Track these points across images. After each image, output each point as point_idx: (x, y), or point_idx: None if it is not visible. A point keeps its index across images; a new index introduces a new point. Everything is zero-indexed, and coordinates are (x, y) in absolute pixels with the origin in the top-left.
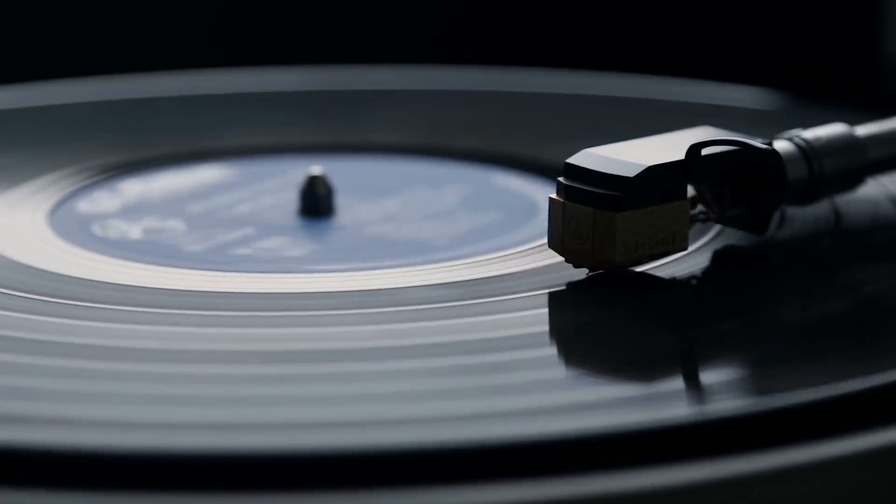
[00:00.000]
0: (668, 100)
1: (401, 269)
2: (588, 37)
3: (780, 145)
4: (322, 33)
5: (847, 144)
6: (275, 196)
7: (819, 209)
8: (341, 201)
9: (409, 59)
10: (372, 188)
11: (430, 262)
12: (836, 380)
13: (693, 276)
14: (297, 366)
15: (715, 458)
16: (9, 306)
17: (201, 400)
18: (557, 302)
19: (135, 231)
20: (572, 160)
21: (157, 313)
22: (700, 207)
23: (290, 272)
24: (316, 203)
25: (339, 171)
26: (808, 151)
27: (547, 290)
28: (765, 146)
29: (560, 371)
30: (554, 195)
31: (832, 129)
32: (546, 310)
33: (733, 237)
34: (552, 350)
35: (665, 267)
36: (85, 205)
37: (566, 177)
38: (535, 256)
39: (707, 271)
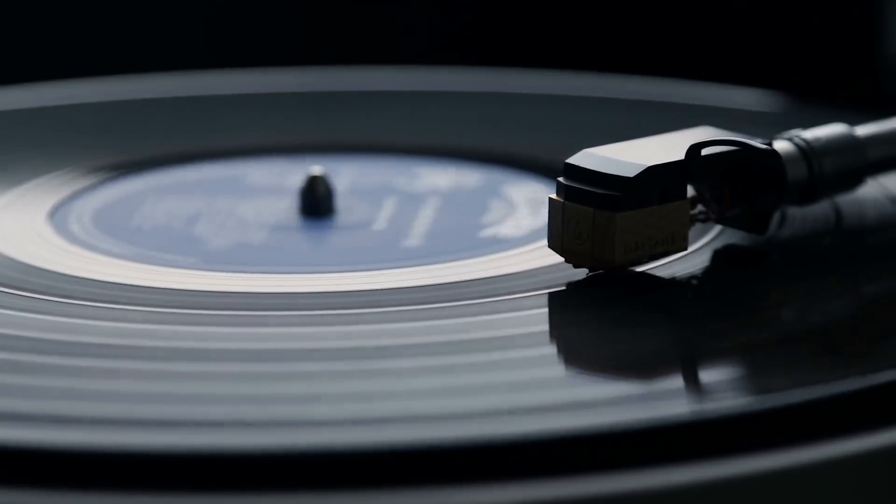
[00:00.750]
0: (669, 100)
1: (401, 269)
2: (588, 37)
3: (780, 145)
4: (322, 33)
5: (847, 145)
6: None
7: (819, 209)
8: (341, 201)
9: (408, 60)
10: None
11: (430, 262)
12: (836, 380)
13: (693, 276)
14: (296, 365)
15: (714, 458)
16: (9, 304)
17: (200, 399)
18: (557, 302)
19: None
20: (572, 160)
21: (156, 313)
22: (700, 207)
23: (289, 272)
24: (316, 203)
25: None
26: (807, 151)
27: (547, 291)
28: (764, 146)
29: (559, 370)
30: (554, 195)
31: (832, 130)
32: (546, 310)
33: (733, 237)
34: (552, 349)
35: (665, 267)
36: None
37: (566, 177)
38: (535, 257)
39: (707, 271)
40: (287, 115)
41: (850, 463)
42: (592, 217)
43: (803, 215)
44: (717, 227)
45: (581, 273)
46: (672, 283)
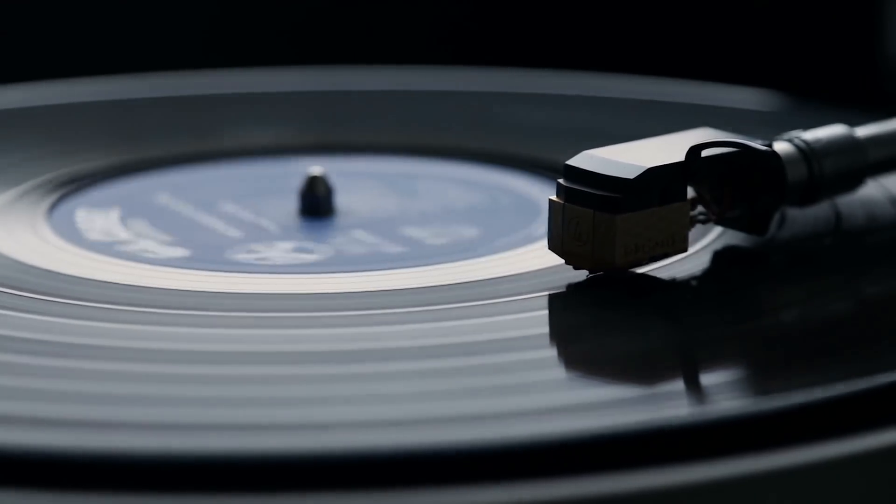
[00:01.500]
0: (669, 101)
1: (400, 270)
2: (588, 37)
3: (780, 146)
4: (322, 33)
5: (847, 145)
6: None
7: (819, 210)
8: (341, 201)
9: (408, 60)
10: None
11: (430, 263)
12: (836, 380)
13: (693, 278)
14: (296, 367)
15: (715, 459)
16: (8, 305)
17: (200, 400)
18: (557, 303)
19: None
20: (572, 162)
21: (156, 313)
22: (700, 209)
23: (289, 273)
24: (316, 203)
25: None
26: (807, 153)
27: (547, 292)
28: (764, 147)
29: (560, 372)
30: (554, 197)
31: (832, 131)
32: (546, 311)
33: (733, 238)
34: (552, 351)
35: (665, 268)
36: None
37: (566, 178)
38: (535, 258)
39: (707, 272)
40: (288, 115)
41: (850, 463)
42: (592, 219)
43: (803, 216)
44: (718, 229)
45: (581, 275)
46: (672, 284)
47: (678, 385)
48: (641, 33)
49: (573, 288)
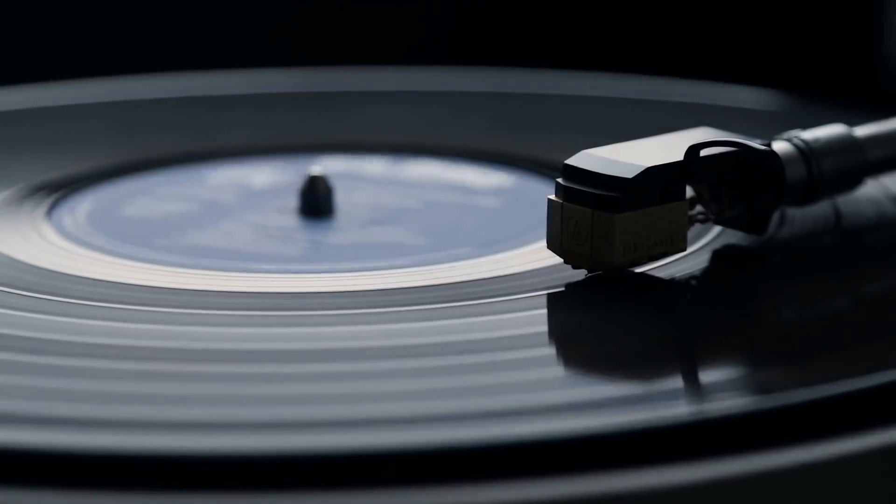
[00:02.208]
0: (668, 100)
1: (400, 270)
2: (588, 37)
3: (779, 146)
4: (321, 33)
5: (846, 145)
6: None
7: (819, 209)
8: (341, 201)
9: (408, 60)
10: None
11: (430, 262)
12: (836, 380)
13: (692, 277)
14: (296, 365)
15: (714, 458)
16: (8, 304)
17: (200, 400)
18: (556, 303)
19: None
20: (571, 161)
21: (156, 312)
22: (699, 208)
23: (289, 272)
24: (316, 203)
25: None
26: (806, 152)
27: (546, 291)
28: (763, 147)
29: (559, 371)
30: (553, 196)
31: (831, 130)
32: (545, 311)
33: (732, 238)
34: (551, 350)
35: (664, 268)
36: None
37: (565, 178)
38: (534, 257)
39: (706, 272)
40: (287, 115)
41: (850, 462)
42: (591, 218)
43: (803, 214)
44: (717, 228)
45: (580, 274)
46: (671, 283)
47: (677, 384)
48: (641, 33)
49: (572, 287)
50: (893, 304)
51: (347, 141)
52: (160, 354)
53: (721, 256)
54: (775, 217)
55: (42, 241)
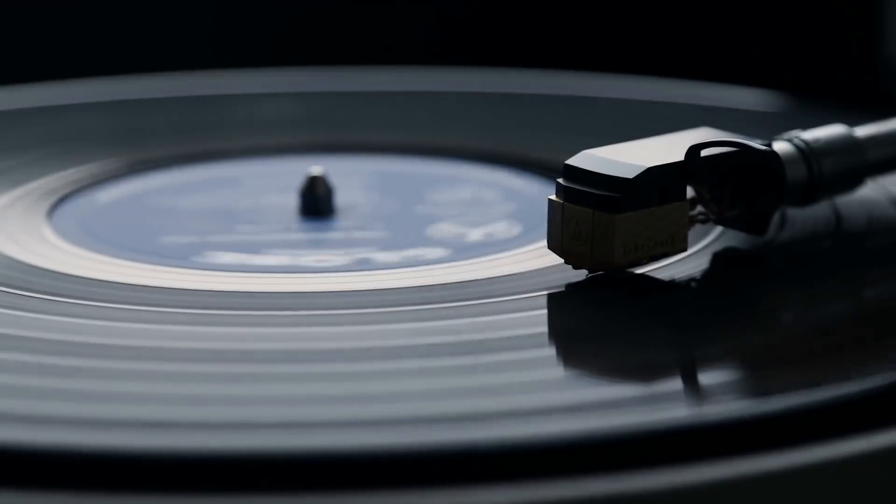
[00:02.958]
0: (668, 101)
1: (400, 270)
2: (588, 37)
3: (780, 146)
4: (322, 33)
5: (846, 145)
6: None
7: (819, 210)
8: (341, 201)
9: (408, 60)
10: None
11: (430, 262)
12: (836, 381)
13: (692, 278)
14: (296, 365)
15: (714, 460)
16: (8, 304)
17: (200, 399)
18: (557, 303)
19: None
20: (572, 161)
21: (156, 312)
22: (699, 208)
23: (289, 272)
24: (316, 203)
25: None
26: (807, 152)
27: (546, 292)
28: (764, 147)
29: (559, 372)
30: (553, 196)
31: (831, 130)
32: (545, 311)
33: (733, 239)
34: (551, 351)
35: (664, 268)
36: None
37: (565, 178)
38: (535, 258)
39: (707, 273)
40: (287, 115)
41: (850, 464)
42: (592, 218)
43: (803, 217)
44: (717, 229)
45: (580, 274)
46: (672, 284)
47: (677, 385)
48: (641, 33)
49: (572, 287)
50: (893, 306)
51: (347, 141)
52: (159, 354)
53: (721, 258)
54: (776, 219)
55: (42, 242)
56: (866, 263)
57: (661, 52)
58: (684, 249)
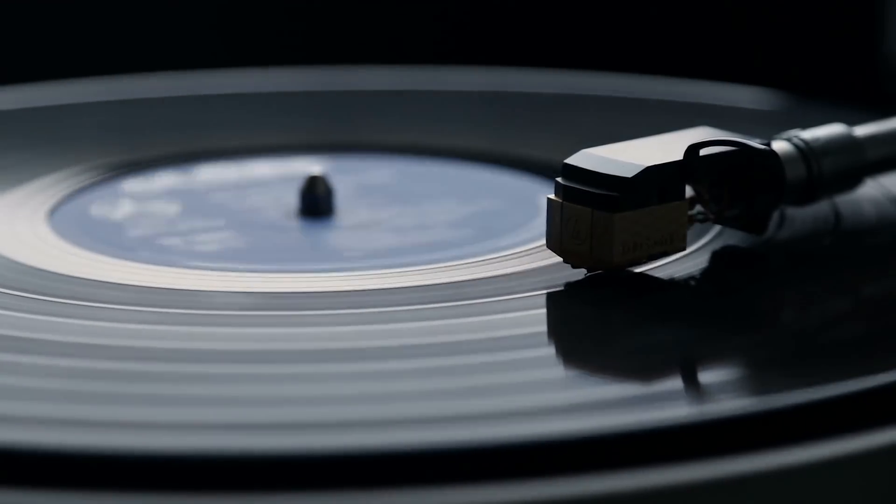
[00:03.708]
0: (668, 100)
1: (400, 269)
2: (587, 37)
3: (779, 146)
4: (322, 33)
5: (846, 145)
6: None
7: (819, 210)
8: (341, 201)
9: (408, 59)
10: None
11: (430, 261)
12: (836, 380)
13: (692, 277)
14: (296, 366)
15: (714, 458)
16: (8, 306)
17: (199, 400)
18: (556, 302)
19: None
20: (571, 160)
21: (155, 313)
22: (698, 208)
23: (289, 272)
24: (316, 203)
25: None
26: (806, 152)
27: (545, 291)
28: (763, 147)
29: (559, 371)
30: (552, 195)
31: (831, 130)
32: (544, 310)
33: (732, 238)
34: (551, 350)
35: (664, 267)
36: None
37: (564, 177)
38: (534, 257)
39: (706, 272)
40: (287, 115)
41: (850, 463)
42: (591, 217)
43: (803, 215)
44: (716, 228)
45: (580, 273)
46: (671, 283)
47: (677, 384)
48: (641, 33)
49: (571, 286)
50: (893, 305)
51: (347, 141)
52: (159, 355)
53: (720, 257)
54: (775, 217)
55: (42, 242)
56: (865, 262)
57: (660, 51)
58: (683, 249)
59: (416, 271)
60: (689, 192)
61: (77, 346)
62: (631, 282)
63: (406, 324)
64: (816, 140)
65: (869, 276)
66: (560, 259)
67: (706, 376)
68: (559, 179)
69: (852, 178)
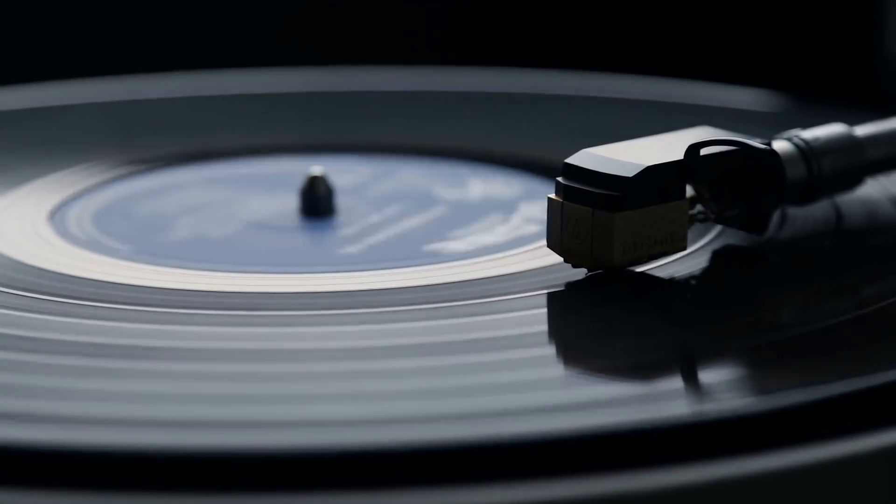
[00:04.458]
0: (668, 100)
1: (400, 269)
2: (587, 37)
3: (779, 145)
4: (322, 33)
5: (846, 144)
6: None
7: (819, 209)
8: (341, 201)
9: (408, 60)
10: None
11: (430, 262)
12: (836, 380)
13: (692, 277)
14: (296, 365)
15: (714, 458)
16: (9, 304)
17: (199, 399)
18: (556, 302)
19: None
20: (571, 160)
21: (155, 312)
22: (699, 207)
23: (289, 272)
24: (316, 203)
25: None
26: (806, 152)
27: (546, 291)
28: (763, 146)
29: (559, 371)
30: (553, 195)
31: (831, 130)
32: (545, 310)
33: (733, 238)
34: (551, 350)
35: (664, 267)
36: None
37: (565, 177)
38: (534, 257)
39: (706, 271)
40: (287, 115)
41: (850, 463)
42: (591, 217)
43: (803, 215)
44: (717, 228)
45: (580, 273)
46: (671, 283)
47: (677, 384)
48: (641, 33)
49: (572, 286)
50: (893, 305)
51: (347, 141)
52: (159, 354)
53: (721, 256)
54: (775, 217)
55: (42, 242)
56: (866, 262)
57: (660, 52)
58: (684, 248)
59: (415, 271)
60: (689, 191)
61: (76, 346)
62: (631, 282)
63: (405, 324)
64: (817, 140)
65: (869, 276)
66: (560, 259)
67: (706, 376)
68: (559, 179)
69: (852, 178)
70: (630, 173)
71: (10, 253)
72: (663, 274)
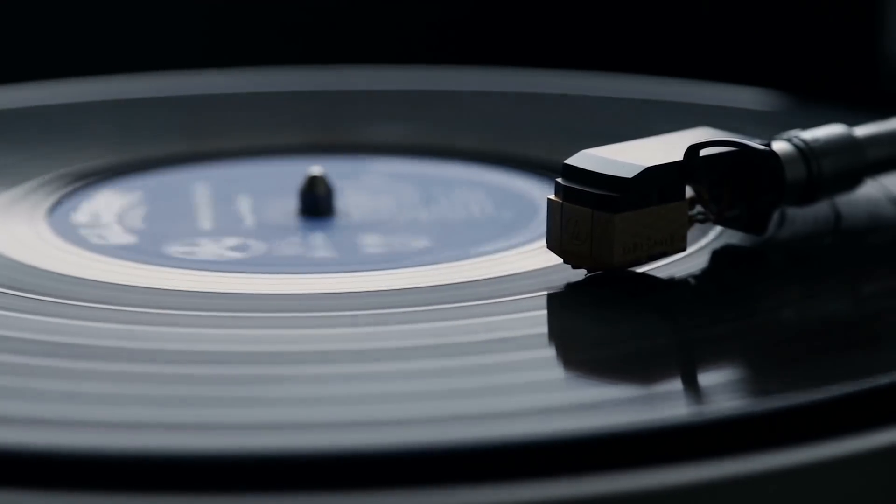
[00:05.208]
0: (668, 100)
1: (399, 270)
2: (587, 37)
3: (779, 146)
4: (321, 33)
5: (846, 145)
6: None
7: (819, 209)
8: (341, 201)
9: (407, 60)
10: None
11: (429, 262)
12: (836, 380)
13: (692, 277)
14: (295, 367)
15: (714, 459)
16: (8, 306)
17: (199, 400)
18: (556, 303)
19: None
20: (571, 161)
21: (155, 313)
22: (699, 208)
23: (288, 273)
24: (316, 203)
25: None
26: (806, 152)
27: (545, 292)
28: (763, 147)
29: (558, 372)
30: (552, 196)
31: (831, 130)
32: (545, 311)
33: (732, 238)
34: (550, 350)
35: (664, 268)
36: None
37: (564, 178)
38: (534, 257)
39: (706, 272)
40: (287, 115)
41: (850, 463)
42: (591, 218)
43: (803, 215)
44: (716, 228)
45: (580, 274)
46: (671, 283)
47: (677, 385)
48: (641, 33)
49: (572, 287)
50: (893, 305)
51: (347, 141)
52: (157, 356)
53: (721, 257)
54: (775, 217)
55: (41, 242)
56: (866, 262)
57: (660, 52)
58: (683, 249)
59: (415, 272)
60: (689, 192)
61: (75, 348)
62: (631, 282)
63: (405, 325)
64: (816, 140)
65: (869, 276)
66: (560, 259)
67: (706, 377)
68: (559, 180)
69: (852, 178)
70: (630, 174)
71: (8, 253)
72: (663, 274)
